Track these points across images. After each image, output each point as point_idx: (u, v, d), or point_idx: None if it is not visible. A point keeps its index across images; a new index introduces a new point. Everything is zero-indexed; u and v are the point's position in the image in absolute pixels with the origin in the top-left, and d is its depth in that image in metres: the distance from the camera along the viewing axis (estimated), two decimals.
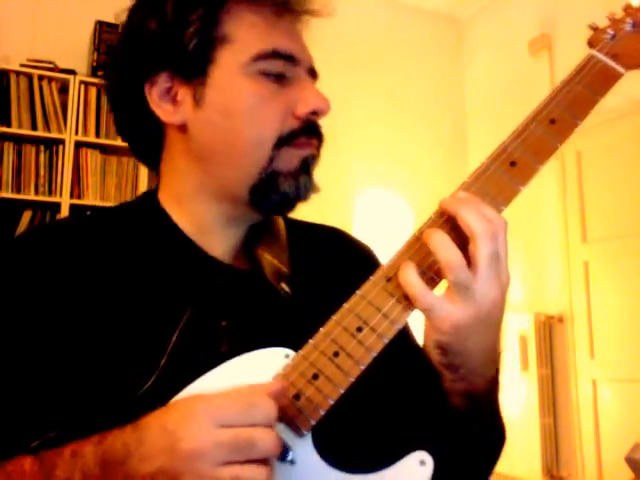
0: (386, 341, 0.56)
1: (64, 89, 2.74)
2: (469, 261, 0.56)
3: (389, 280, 0.58)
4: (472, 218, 0.56)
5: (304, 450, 0.56)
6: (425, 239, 0.57)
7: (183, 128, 0.69)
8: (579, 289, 2.92)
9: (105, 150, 2.80)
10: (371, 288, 0.58)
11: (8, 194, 2.59)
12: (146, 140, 0.74)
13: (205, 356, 0.59)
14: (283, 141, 0.67)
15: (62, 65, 2.78)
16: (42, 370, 0.61)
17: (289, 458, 0.54)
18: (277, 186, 0.67)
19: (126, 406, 0.57)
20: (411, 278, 0.56)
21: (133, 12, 0.71)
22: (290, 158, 0.68)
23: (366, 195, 3.37)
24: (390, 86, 3.53)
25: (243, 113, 0.66)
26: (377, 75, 3.48)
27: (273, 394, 0.53)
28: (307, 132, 0.69)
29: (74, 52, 2.87)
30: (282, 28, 0.69)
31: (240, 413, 0.50)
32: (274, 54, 0.67)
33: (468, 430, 0.65)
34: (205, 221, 0.71)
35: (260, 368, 0.57)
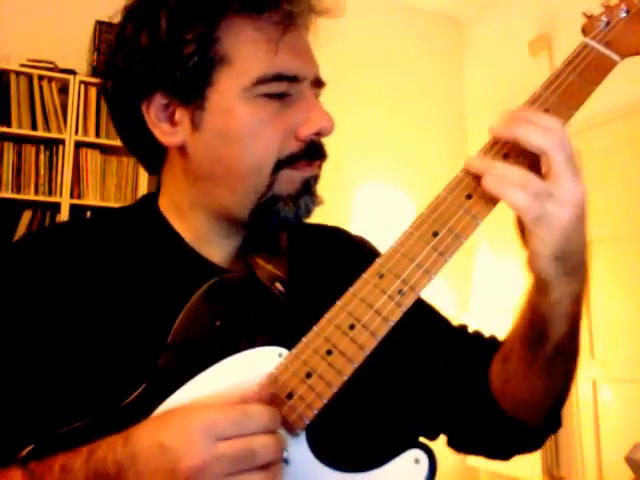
0: (379, 338, 0.56)
1: (64, 89, 2.74)
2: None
3: (381, 277, 0.58)
4: (535, 135, 0.56)
5: (298, 449, 0.56)
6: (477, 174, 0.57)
7: (182, 148, 0.68)
8: None
9: (105, 150, 2.79)
10: (363, 285, 0.58)
11: (8, 194, 2.58)
12: (148, 152, 0.73)
13: (198, 356, 0.59)
14: (282, 164, 0.65)
15: (62, 65, 2.78)
16: (35, 373, 0.61)
17: (283, 457, 0.54)
18: (277, 211, 0.66)
19: (119, 408, 0.57)
20: (517, 196, 0.55)
21: (127, 20, 0.68)
22: (290, 180, 0.66)
23: (364, 192, 3.37)
24: (390, 86, 3.53)
25: (241, 139, 0.64)
26: (377, 75, 3.48)
27: (264, 401, 0.53)
28: (309, 155, 0.67)
29: (74, 52, 2.87)
30: (286, 43, 0.65)
31: (236, 424, 0.50)
32: (276, 78, 0.64)
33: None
34: (202, 232, 0.71)
35: (253, 367, 0.57)
